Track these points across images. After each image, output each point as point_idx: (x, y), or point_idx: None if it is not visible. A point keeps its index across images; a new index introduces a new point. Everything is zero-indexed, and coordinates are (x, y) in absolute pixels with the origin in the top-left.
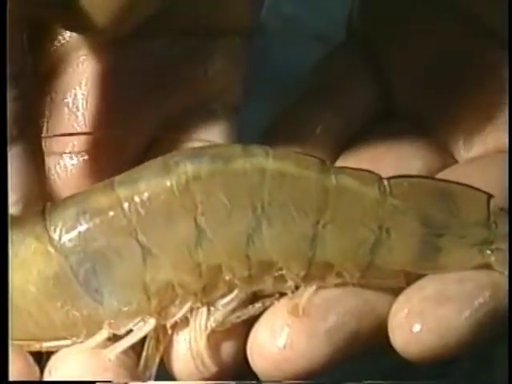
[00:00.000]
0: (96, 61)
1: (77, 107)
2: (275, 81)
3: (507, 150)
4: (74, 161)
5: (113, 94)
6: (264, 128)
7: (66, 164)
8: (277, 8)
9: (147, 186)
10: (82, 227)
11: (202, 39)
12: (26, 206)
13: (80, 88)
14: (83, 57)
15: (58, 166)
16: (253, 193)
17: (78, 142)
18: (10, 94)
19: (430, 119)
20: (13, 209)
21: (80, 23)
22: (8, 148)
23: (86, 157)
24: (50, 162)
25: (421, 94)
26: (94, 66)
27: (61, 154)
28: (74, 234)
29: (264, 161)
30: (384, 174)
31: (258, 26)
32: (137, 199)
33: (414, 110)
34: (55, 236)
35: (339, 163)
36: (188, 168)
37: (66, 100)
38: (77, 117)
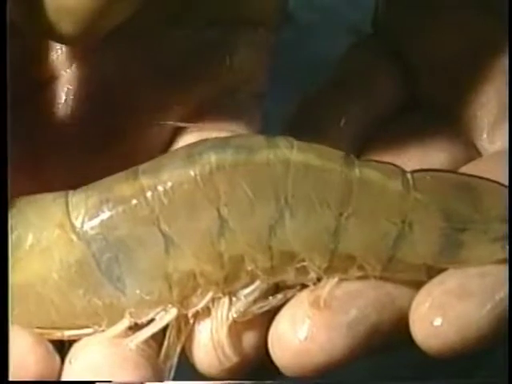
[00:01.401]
0: (121, 50)
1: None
2: (305, 72)
3: (507, 149)
4: (98, 150)
5: (138, 83)
6: (288, 119)
7: (90, 153)
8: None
9: (171, 176)
10: (105, 215)
11: (226, 29)
12: None
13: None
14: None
15: (81, 156)
16: (276, 184)
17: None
18: None
19: (454, 112)
20: None
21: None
22: None
23: (109, 146)
24: (73, 152)
25: (445, 86)
26: (120, 55)
27: (84, 144)
28: (96, 221)
29: (288, 152)
30: (408, 167)
31: (286, 17)
32: (160, 188)
33: (439, 103)
34: (78, 223)
35: (363, 156)
36: (212, 158)
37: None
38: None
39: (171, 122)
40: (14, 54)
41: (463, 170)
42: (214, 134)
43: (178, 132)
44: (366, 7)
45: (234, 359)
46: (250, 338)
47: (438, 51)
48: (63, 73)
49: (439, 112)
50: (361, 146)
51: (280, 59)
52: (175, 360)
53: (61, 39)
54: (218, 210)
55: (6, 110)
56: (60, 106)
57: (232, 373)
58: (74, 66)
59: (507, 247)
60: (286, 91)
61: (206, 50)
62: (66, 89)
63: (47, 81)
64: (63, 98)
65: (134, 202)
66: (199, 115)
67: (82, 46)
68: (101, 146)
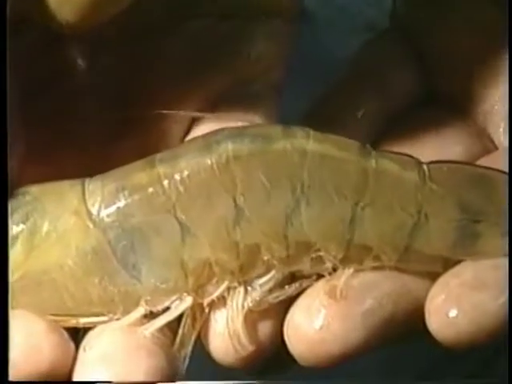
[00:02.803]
0: (140, 41)
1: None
2: (321, 69)
3: (507, 150)
4: (115, 140)
5: (156, 74)
6: (305, 111)
7: (107, 143)
8: None
9: (187, 164)
10: (121, 203)
11: (244, 21)
12: None
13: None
14: None
15: (98, 145)
16: (292, 174)
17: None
18: None
19: (470, 105)
20: None
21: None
22: None
23: (126, 136)
24: (91, 141)
25: (461, 80)
26: (137, 46)
27: (102, 134)
28: (112, 209)
29: (305, 142)
30: (424, 159)
31: (302, 14)
32: (177, 177)
33: (455, 97)
34: (94, 211)
35: (380, 147)
36: (229, 147)
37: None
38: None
39: (188, 112)
40: (28, 44)
41: (480, 162)
42: (230, 125)
43: (194, 122)
44: (383, 4)
45: (250, 348)
46: (265, 327)
47: (455, 45)
48: (80, 62)
49: (456, 105)
50: (378, 138)
51: (296, 56)
52: (190, 349)
53: (61, 27)
54: (234, 199)
55: (6, 109)
56: (76, 95)
57: (247, 361)
58: (91, 55)
59: (507, 246)
60: (302, 88)
61: (223, 41)
62: (82, 78)
63: (63, 70)
64: (80, 87)
65: (151, 190)
66: (216, 106)
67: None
68: (117, 136)
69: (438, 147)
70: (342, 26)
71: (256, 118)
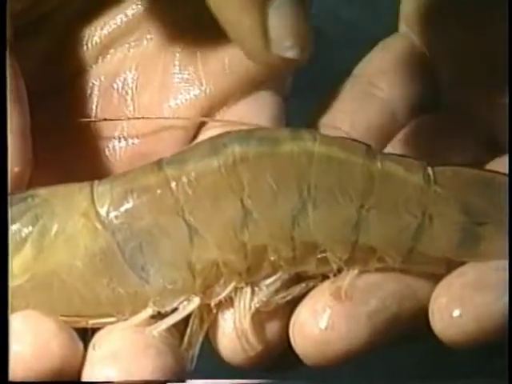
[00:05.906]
0: (146, 47)
1: (126, 92)
2: (328, 85)
3: (507, 150)
4: (123, 144)
5: (162, 77)
6: (311, 118)
7: (115, 147)
8: (336, 13)
9: (195, 167)
10: (130, 205)
11: None
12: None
13: (130, 72)
14: (133, 42)
15: (107, 149)
16: (299, 176)
17: (126, 126)
18: None
19: (478, 111)
20: None
21: None
22: None
23: (134, 140)
24: (99, 145)
25: (470, 85)
26: (144, 52)
27: (110, 137)
28: (121, 211)
29: (311, 145)
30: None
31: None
32: (184, 179)
33: (463, 103)
34: (103, 213)
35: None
36: (236, 149)
37: (115, 84)
38: (126, 101)
39: (195, 118)
40: (41, 48)
41: (487, 167)
42: (238, 128)
43: (201, 127)
44: (389, 20)
45: (258, 348)
46: (273, 327)
47: (463, 54)
48: (89, 68)
49: (463, 111)
50: (384, 144)
51: (304, 71)
52: (197, 349)
53: None
54: (242, 201)
55: (6, 108)
56: (86, 100)
57: (255, 361)
58: (100, 60)
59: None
60: (309, 103)
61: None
62: (91, 83)
63: (73, 75)
64: (89, 92)
65: (159, 192)
66: (223, 110)
67: None
68: (125, 139)
69: (446, 154)
70: (348, 40)
71: (263, 123)
